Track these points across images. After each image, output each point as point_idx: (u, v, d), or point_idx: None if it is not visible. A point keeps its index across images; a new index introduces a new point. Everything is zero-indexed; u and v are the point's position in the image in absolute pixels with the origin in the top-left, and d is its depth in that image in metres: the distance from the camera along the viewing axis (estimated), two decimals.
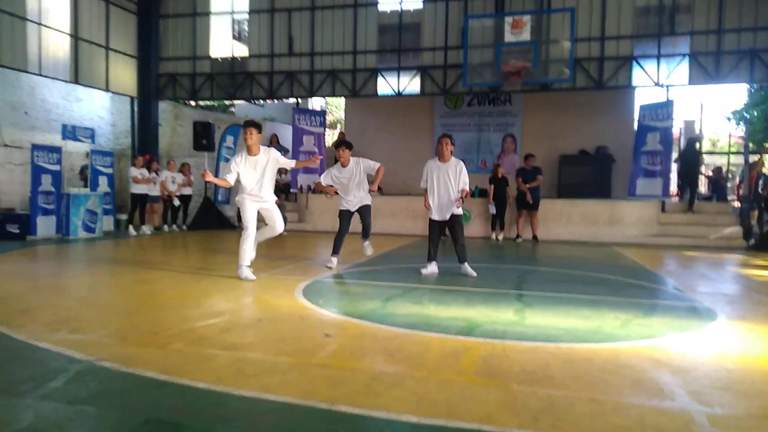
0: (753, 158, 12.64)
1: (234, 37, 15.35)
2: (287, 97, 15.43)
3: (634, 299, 5.29)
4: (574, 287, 5.94)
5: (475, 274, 6.48)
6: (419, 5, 13.64)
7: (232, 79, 14.79)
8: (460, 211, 6.51)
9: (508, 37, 10.80)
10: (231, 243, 10.22)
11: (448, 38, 13.23)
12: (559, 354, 3.44)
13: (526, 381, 2.94)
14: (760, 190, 11.61)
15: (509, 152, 16.18)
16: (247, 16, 14.82)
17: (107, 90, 14.20)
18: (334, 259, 7.04)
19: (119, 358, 3.18)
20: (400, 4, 13.70)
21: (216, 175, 13.08)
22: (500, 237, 11.74)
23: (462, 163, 6.49)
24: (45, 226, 10.30)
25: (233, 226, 13.04)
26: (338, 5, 13.89)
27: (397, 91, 13.80)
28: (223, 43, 15.07)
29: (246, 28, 15.05)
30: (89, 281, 6.09)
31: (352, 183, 7.01)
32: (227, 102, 20.63)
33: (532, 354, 3.43)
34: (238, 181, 6.01)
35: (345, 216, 7.08)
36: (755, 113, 18.60)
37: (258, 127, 5.95)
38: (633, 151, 12.63)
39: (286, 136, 15.83)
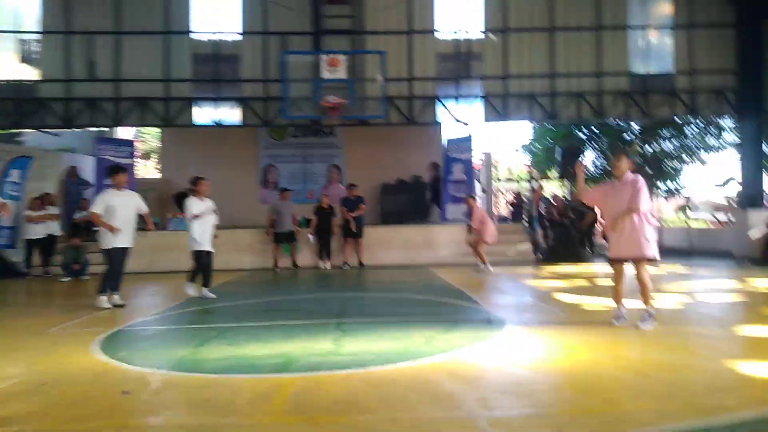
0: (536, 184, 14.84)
1: (22, 60, 13.47)
2: (87, 126, 13.96)
3: (440, 316, 5.78)
4: (390, 310, 6.29)
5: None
6: (238, 37, 13.51)
7: (18, 105, 12.92)
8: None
9: (325, 74, 11.23)
10: (17, 295, 8.78)
11: (268, 71, 13.28)
12: (369, 379, 3.59)
13: (335, 411, 3.01)
14: (542, 211, 13.65)
15: (334, 182, 16.64)
16: (37, 36, 13.15)
17: None
18: None
19: None
20: (216, 34, 13.41)
21: None
22: (328, 265, 11.95)
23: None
24: None
25: (21, 273, 11.19)
26: (147, 31, 13.09)
27: (216, 121, 13.39)
28: (6, 64, 13.13)
29: (37, 50, 13.33)
30: None
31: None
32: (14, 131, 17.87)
33: (344, 383, 3.53)
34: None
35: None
36: (538, 146, 21.91)
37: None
38: (443, 180, 13.95)
39: (88, 168, 14.23)
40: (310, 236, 11.97)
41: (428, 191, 15.42)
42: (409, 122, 13.57)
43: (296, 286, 9.53)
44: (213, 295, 7.32)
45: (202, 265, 7.25)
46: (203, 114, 13.40)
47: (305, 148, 16.66)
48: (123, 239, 6.68)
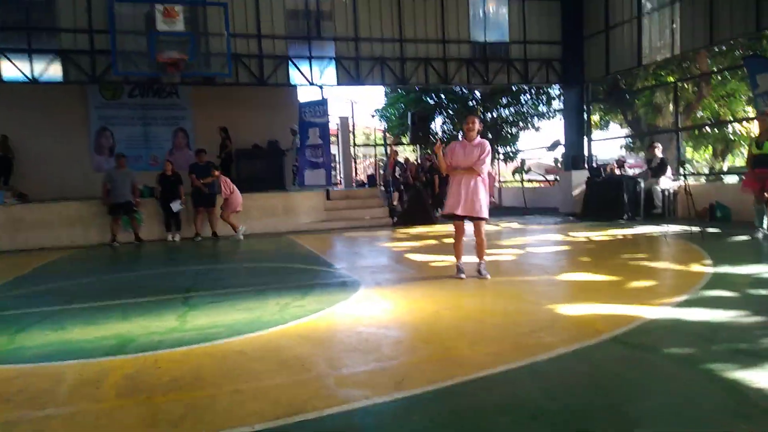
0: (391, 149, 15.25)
1: None
2: None
3: (296, 283, 5.71)
4: (244, 281, 6.07)
5: None
6: None
7: None
8: None
9: (161, 26, 10.17)
10: None
11: (93, 20, 11.68)
12: (213, 353, 3.42)
13: (173, 389, 2.82)
14: (397, 175, 14.12)
15: (181, 147, 15.49)
16: None
17: None
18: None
19: None
20: None
21: None
22: (177, 238, 11.15)
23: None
24: None
25: None
26: None
27: (31, 76, 11.53)
28: None
29: None
30: None
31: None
32: None
33: (185, 359, 3.32)
34: None
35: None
36: (392, 111, 22.44)
37: None
38: (299, 145, 13.68)
39: None
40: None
41: (284, 157, 15.03)
42: (259, 83, 12.97)
43: (139, 261, 8.78)
44: None
45: None
46: (14, 68, 11.44)
47: (146, 110, 15.18)
48: None
